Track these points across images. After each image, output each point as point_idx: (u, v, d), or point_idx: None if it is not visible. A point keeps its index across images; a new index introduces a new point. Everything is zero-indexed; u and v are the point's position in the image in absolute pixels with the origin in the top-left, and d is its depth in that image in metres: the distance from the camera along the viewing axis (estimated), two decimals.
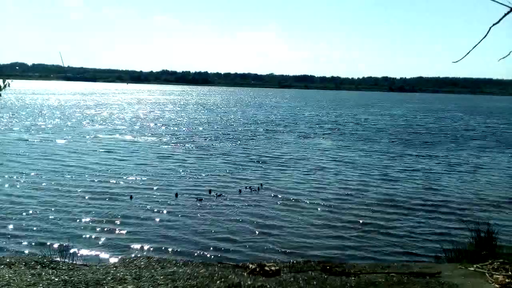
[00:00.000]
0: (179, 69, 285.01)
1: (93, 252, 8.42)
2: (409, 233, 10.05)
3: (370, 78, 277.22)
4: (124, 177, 14.72)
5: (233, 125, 35.48)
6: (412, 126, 39.98)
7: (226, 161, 18.51)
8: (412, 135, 31.53)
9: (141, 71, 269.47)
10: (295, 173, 16.37)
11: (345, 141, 26.90)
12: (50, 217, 10.43)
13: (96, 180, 14.15)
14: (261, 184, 14.06)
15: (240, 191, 13.40)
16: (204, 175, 15.52)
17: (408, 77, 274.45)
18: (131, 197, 12.16)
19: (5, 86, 4.05)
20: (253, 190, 13.43)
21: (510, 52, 3.90)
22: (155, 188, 13.40)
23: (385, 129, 35.95)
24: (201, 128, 32.14)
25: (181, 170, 16.22)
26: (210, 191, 13.09)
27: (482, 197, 13.47)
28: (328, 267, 5.93)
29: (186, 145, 23.19)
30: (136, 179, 14.54)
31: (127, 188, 13.32)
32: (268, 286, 4.95)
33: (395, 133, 32.58)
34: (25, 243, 8.82)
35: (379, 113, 57.23)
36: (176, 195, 12.53)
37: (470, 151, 23.98)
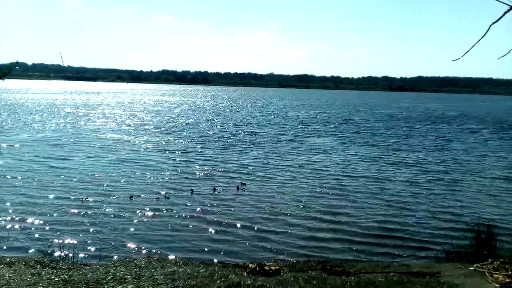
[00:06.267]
0: (179, 69, 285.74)
1: (93, 252, 8.41)
2: (409, 233, 10.05)
3: (370, 77, 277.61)
4: (123, 178, 14.73)
5: (220, 126, 35.47)
6: (410, 126, 39.99)
7: (217, 160, 18.52)
8: (410, 135, 31.54)
9: (141, 71, 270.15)
10: (291, 173, 16.36)
11: (339, 140, 26.89)
12: (50, 216, 10.43)
13: (95, 181, 14.15)
14: (242, 183, 13.98)
15: (237, 188, 13.52)
16: (197, 175, 15.53)
17: (408, 76, 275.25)
18: (131, 197, 12.17)
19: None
20: (245, 189, 13.45)
21: (510, 50, 3.90)
22: (152, 188, 13.40)
23: (380, 129, 35.96)
24: (196, 128, 32.16)
25: (175, 170, 16.23)
26: (214, 188, 13.29)
27: (482, 197, 13.47)
28: (328, 267, 5.93)
29: (178, 146, 23.20)
30: (133, 180, 14.55)
31: (126, 188, 13.33)
32: (268, 285, 4.94)
33: (391, 134, 32.58)
34: (25, 242, 8.82)
35: (373, 113, 57.26)
36: (192, 191, 12.57)
37: (468, 151, 23.98)
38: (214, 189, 13.25)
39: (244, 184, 14.00)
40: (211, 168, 16.62)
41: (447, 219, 11.09)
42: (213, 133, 28.69)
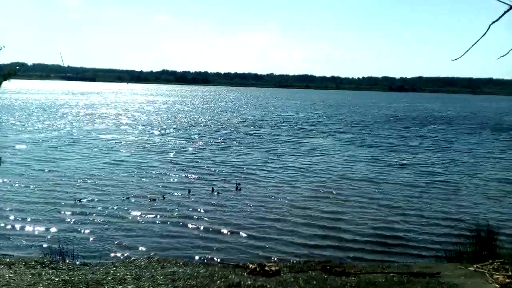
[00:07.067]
0: (179, 69, 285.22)
1: (93, 252, 8.41)
2: (409, 233, 10.04)
3: (370, 77, 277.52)
4: (121, 179, 14.73)
5: (219, 126, 35.47)
6: (410, 127, 39.97)
7: (215, 160, 18.52)
8: (409, 136, 31.53)
9: (141, 71, 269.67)
10: (290, 174, 16.36)
11: (338, 141, 26.88)
12: (50, 217, 10.43)
13: (93, 182, 14.15)
14: (239, 184, 13.90)
15: (237, 187, 13.50)
16: (194, 176, 15.53)
17: (408, 76, 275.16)
18: (127, 198, 12.16)
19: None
20: (241, 189, 13.42)
21: (509, 50, 3.89)
22: (149, 189, 13.39)
23: (379, 130, 35.95)
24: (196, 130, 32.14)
25: (173, 171, 16.23)
26: (213, 189, 13.26)
27: (482, 197, 13.47)
28: (328, 267, 5.93)
29: (176, 147, 23.20)
30: (131, 180, 14.55)
31: (125, 189, 13.32)
32: (268, 286, 4.94)
33: (390, 135, 32.57)
34: (25, 243, 8.82)
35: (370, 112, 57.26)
36: (189, 191, 12.58)
37: (468, 152, 23.97)
38: (212, 190, 13.23)
39: (239, 184, 13.97)
40: (209, 169, 16.61)
41: (447, 220, 11.08)
42: (212, 134, 28.67)
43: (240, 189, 13.47)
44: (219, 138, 26.49)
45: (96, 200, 11.90)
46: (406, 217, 11.18)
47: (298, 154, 20.96)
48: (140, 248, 8.66)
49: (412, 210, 11.80)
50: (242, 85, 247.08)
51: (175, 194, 12.75)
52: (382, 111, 63.24)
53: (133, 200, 11.98)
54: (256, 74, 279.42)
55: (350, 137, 28.99)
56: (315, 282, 5.18)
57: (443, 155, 22.06)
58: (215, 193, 12.95)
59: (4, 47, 3.69)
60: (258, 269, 5.62)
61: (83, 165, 16.62)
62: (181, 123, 35.72)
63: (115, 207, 11.27)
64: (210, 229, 9.88)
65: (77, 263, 6.49)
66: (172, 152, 20.58)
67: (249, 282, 5.00)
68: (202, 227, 10.02)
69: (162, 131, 29.33)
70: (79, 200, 11.74)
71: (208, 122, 37.13)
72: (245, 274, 5.48)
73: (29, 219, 10.18)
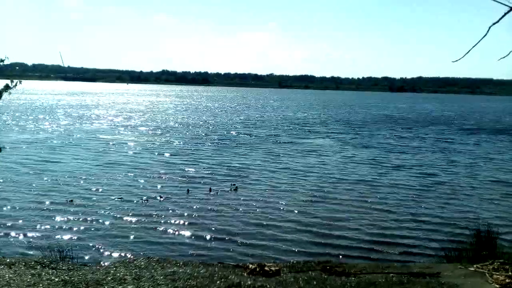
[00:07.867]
0: (179, 69, 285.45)
1: (93, 252, 8.41)
2: (409, 233, 10.05)
3: (370, 78, 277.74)
4: (119, 179, 14.73)
5: (218, 127, 35.47)
6: (409, 128, 39.97)
7: (213, 161, 18.53)
8: (408, 136, 31.54)
9: (141, 71, 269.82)
10: (289, 175, 16.36)
11: (337, 142, 26.90)
12: (49, 218, 10.43)
13: (91, 182, 14.15)
14: (234, 185, 13.86)
15: (235, 188, 13.47)
16: (192, 176, 15.53)
17: (408, 77, 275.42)
18: (126, 199, 12.16)
19: (14, 86, 3.93)
20: (238, 190, 13.39)
21: (510, 52, 3.90)
22: (147, 189, 13.39)
23: (377, 131, 35.95)
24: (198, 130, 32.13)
25: (171, 172, 16.22)
26: (210, 189, 13.23)
27: (482, 198, 13.47)
28: (328, 267, 5.93)
29: (174, 148, 23.19)
30: (129, 181, 14.55)
31: (122, 190, 13.33)
32: (268, 286, 4.95)
33: (389, 136, 32.59)
34: (25, 243, 8.82)
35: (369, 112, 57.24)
36: (188, 191, 12.57)
37: (467, 153, 23.98)
38: (210, 190, 13.22)
39: (235, 184, 13.96)
40: (206, 169, 16.60)
41: (447, 221, 11.08)
42: (210, 134, 28.68)
43: (237, 189, 13.45)
44: (217, 138, 26.50)
45: (95, 201, 11.90)
46: (406, 218, 11.18)
47: (299, 155, 20.95)
48: (139, 248, 8.66)
49: (412, 211, 11.80)
50: (242, 85, 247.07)
51: (174, 194, 12.74)
52: (382, 111, 63.24)
53: (132, 201, 11.97)
54: (256, 74, 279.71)
55: (348, 138, 29.00)
56: (315, 282, 5.18)
57: (443, 156, 22.06)
58: (214, 193, 12.94)
59: (7, 58, 3.74)
60: (258, 269, 5.62)
61: (80, 166, 16.61)
62: (180, 124, 35.73)
63: (114, 208, 11.27)
64: (209, 229, 9.88)
65: (77, 263, 6.49)
66: (170, 152, 20.56)
67: (249, 282, 5.00)
68: (201, 227, 10.02)
69: (160, 132, 29.33)
70: (71, 201, 11.70)
71: (207, 123, 37.12)
72: (245, 274, 5.48)
73: (28, 220, 10.18)
